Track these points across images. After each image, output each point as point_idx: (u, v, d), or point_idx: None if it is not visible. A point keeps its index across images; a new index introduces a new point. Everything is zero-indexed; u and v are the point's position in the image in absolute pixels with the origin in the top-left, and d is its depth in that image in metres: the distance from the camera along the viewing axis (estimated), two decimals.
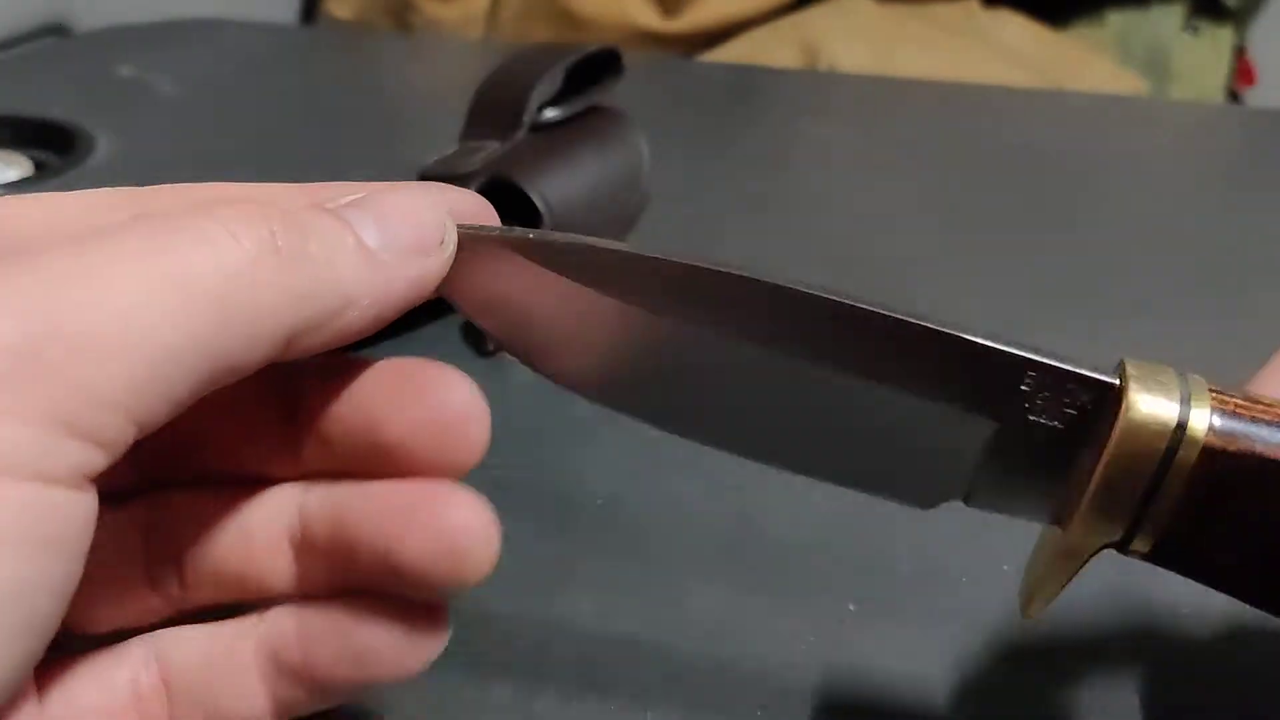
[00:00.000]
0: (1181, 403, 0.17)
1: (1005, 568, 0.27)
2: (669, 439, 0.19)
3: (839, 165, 0.59)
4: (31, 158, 0.53)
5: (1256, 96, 1.18)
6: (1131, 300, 0.43)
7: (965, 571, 0.27)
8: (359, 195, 0.17)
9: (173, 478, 0.19)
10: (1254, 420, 0.17)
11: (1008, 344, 0.17)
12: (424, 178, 0.38)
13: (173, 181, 0.18)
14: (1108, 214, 0.53)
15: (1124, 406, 0.17)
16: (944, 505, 0.20)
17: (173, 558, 0.18)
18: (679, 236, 0.46)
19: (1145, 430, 0.17)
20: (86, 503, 0.14)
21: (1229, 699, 0.24)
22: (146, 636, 0.18)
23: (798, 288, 0.18)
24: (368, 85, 0.72)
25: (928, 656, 0.24)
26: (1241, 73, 1.16)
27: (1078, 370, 0.17)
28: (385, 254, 0.16)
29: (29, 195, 0.17)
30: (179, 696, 0.18)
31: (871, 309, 0.18)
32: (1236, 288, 0.44)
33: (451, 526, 0.16)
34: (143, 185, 0.18)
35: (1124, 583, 0.26)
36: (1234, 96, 1.16)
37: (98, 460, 0.13)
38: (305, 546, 0.18)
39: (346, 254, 0.16)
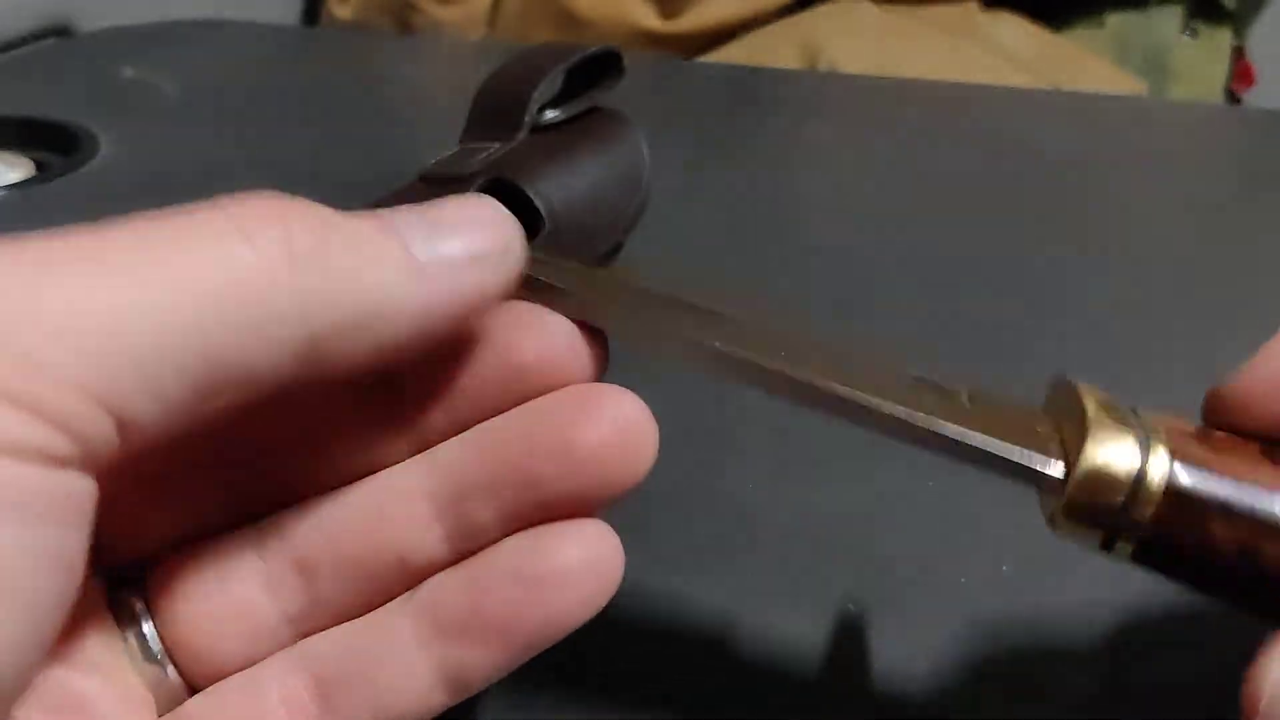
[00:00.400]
0: (1133, 482, 0.17)
1: (1005, 568, 0.27)
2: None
3: (839, 165, 0.59)
4: (34, 159, 0.53)
5: (1256, 97, 1.18)
6: (1131, 300, 0.43)
7: (965, 571, 0.27)
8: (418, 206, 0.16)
9: (279, 500, 0.18)
10: (1208, 488, 0.17)
11: (948, 429, 0.18)
12: (424, 179, 0.38)
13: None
14: (1107, 214, 0.53)
15: (1064, 499, 0.17)
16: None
17: (298, 574, 0.18)
18: (679, 237, 0.46)
19: (1090, 513, 0.17)
20: (60, 479, 0.13)
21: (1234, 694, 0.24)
22: (286, 650, 0.17)
23: (764, 372, 0.18)
24: (368, 85, 0.72)
25: (928, 656, 0.25)
26: (1240, 74, 1.16)
27: (1017, 463, 0.18)
28: (434, 264, 0.15)
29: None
30: (337, 691, 0.17)
31: (825, 392, 0.18)
32: (1236, 287, 0.44)
33: (623, 410, 0.16)
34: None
35: (1125, 581, 0.26)
36: (1233, 98, 1.16)
37: (61, 443, 0.13)
38: (456, 495, 0.17)
39: (384, 260, 0.15)
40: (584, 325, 0.17)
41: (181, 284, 0.13)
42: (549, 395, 0.17)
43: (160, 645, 0.17)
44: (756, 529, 0.28)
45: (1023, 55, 0.97)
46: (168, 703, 0.17)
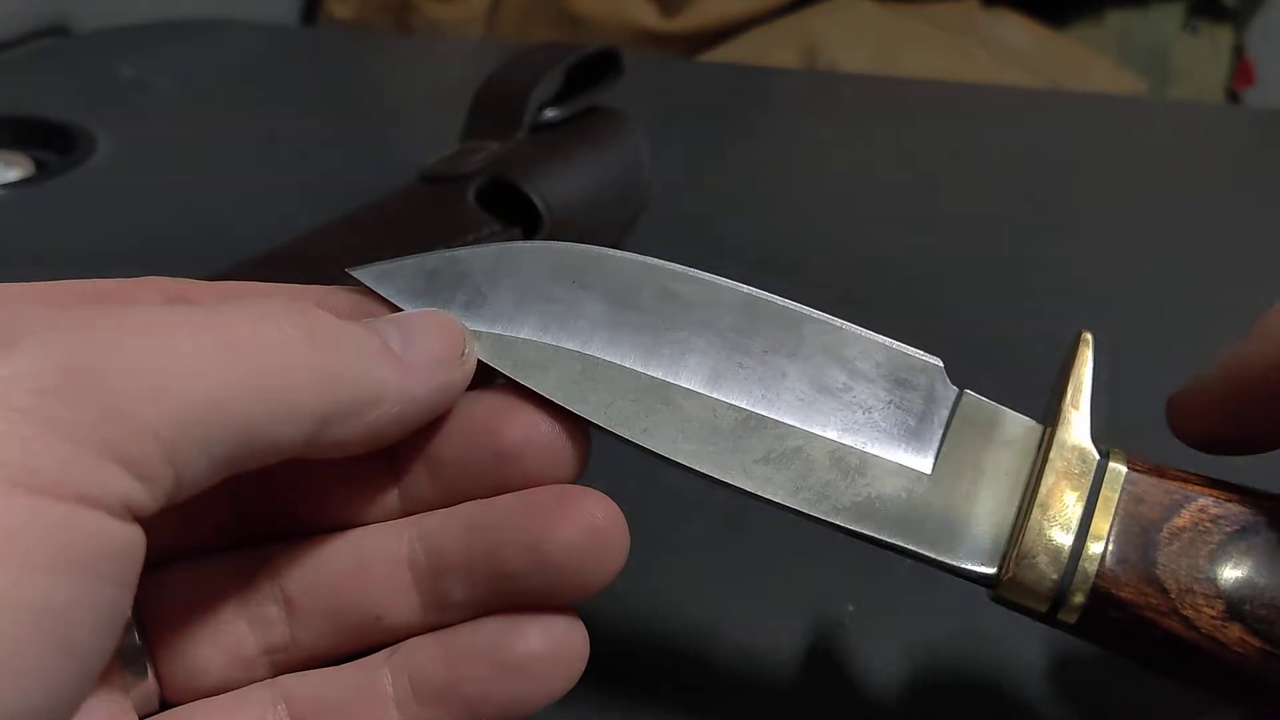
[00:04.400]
0: (1059, 590, 0.18)
1: None
2: None
3: (839, 165, 0.59)
4: (32, 157, 0.53)
5: (1256, 97, 1.18)
6: (1130, 301, 0.43)
7: None
8: (383, 315, 0.18)
9: (272, 530, 0.19)
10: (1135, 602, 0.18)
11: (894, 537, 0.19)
12: (425, 178, 0.38)
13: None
14: (1107, 214, 0.53)
15: (1000, 588, 0.18)
16: None
17: (282, 610, 0.18)
18: (679, 237, 0.46)
19: (1020, 608, 0.18)
20: (128, 533, 0.14)
21: None
22: (269, 681, 0.18)
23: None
24: (368, 85, 0.72)
25: (927, 656, 0.24)
26: (1241, 73, 1.16)
27: (956, 565, 0.18)
28: (409, 358, 0.17)
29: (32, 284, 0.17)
30: None
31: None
32: (1236, 288, 0.44)
33: (594, 516, 0.17)
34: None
35: None
36: (1233, 97, 1.16)
37: (138, 493, 0.13)
38: (434, 570, 0.18)
39: (374, 352, 0.17)
40: (567, 417, 0.18)
41: (231, 350, 0.15)
42: (528, 491, 0.18)
43: (145, 652, 0.18)
44: (756, 528, 0.28)
45: (1023, 54, 0.97)
46: (142, 709, 0.18)
